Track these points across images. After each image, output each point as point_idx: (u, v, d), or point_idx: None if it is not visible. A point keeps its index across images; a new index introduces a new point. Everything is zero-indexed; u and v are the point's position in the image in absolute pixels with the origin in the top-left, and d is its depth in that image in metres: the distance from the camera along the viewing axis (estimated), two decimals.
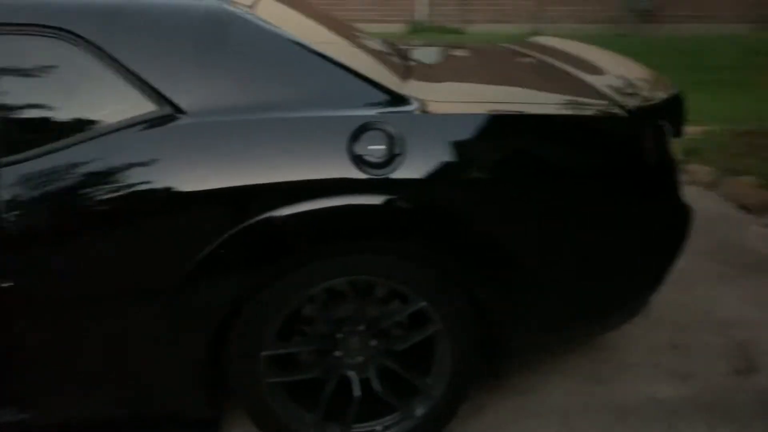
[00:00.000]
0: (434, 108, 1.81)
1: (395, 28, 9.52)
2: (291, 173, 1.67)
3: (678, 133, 1.91)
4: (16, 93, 1.65)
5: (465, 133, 1.75)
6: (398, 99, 1.78)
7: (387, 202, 1.69)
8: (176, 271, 1.67)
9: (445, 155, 1.73)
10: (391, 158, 1.69)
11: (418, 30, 9.55)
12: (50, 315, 1.71)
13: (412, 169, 1.69)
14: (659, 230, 1.92)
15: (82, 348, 1.76)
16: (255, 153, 1.67)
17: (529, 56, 2.58)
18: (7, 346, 1.75)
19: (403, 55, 2.36)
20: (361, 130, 1.69)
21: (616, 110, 1.86)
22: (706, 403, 2.17)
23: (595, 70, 2.28)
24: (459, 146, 1.74)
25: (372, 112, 1.72)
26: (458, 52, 2.81)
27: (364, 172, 1.68)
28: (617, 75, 2.21)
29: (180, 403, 1.87)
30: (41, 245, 1.66)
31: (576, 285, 1.91)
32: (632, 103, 1.88)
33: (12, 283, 1.66)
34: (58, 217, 1.65)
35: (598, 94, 1.98)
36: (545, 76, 2.29)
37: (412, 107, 1.77)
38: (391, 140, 1.69)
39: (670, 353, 2.45)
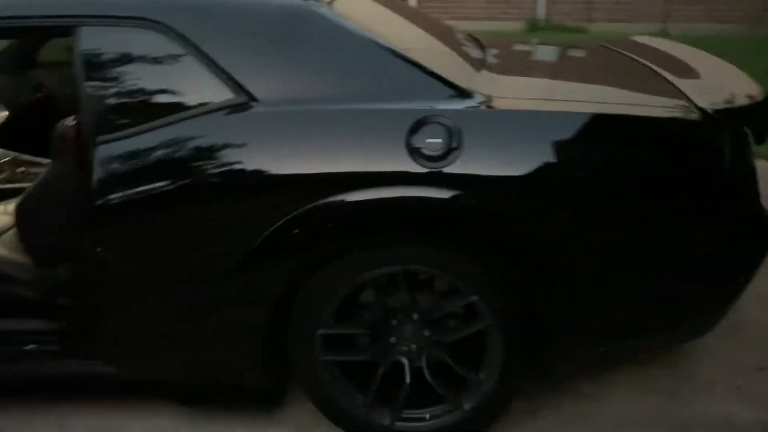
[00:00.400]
0: (499, 104, 1.82)
1: (514, 26, 9.39)
2: (351, 162, 1.74)
3: (761, 140, 1.80)
4: (114, 78, 1.83)
5: (526, 130, 1.75)
6: (462, 93, 1.80)
7: (439, 195, 1.72)
8: (242, 248, 1.79)
9: (504, 151, 1.73)
10: (447, 152, 1.72)
11: (537, 29, 9.36)
12: (130, 280, 1.89)
13: (468, 163, 1.71)
14: (734, 241, 1.81)
15: (158, 313, 1.92)
16: (319, 141, 1.76)
17: (620, 55, 2.50)
18: (97, 304, 1.96)
19: (486, 51, 2.37)
20: (421, 123, 1.73)
21: (694, 113, 1.78)
22: None
23: (685, 71, 2.18)
24: (518, 143, 1.73)
25: (433, 105, 1.76)
26: (551, 50, 2.77)
27: (421, 164, 1.72)
28: (707, 77, 2.10)
29: (244, 373, 1.99)
30: (128, 215, 1.83)
31: (640, 294, 1.84)
32: (712, 106, 1.79)
33: (101, 249, 1.86)
34: (143, 191, 1.81)
35: (678, 95, 1.89)
36: (628, 75, 2.22)
37: (475, 102, 1.79)
38: (449, 134, 1.72)
39: (755, 376, 2.29)
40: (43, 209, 2.06)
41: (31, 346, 2.06)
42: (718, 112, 1.78)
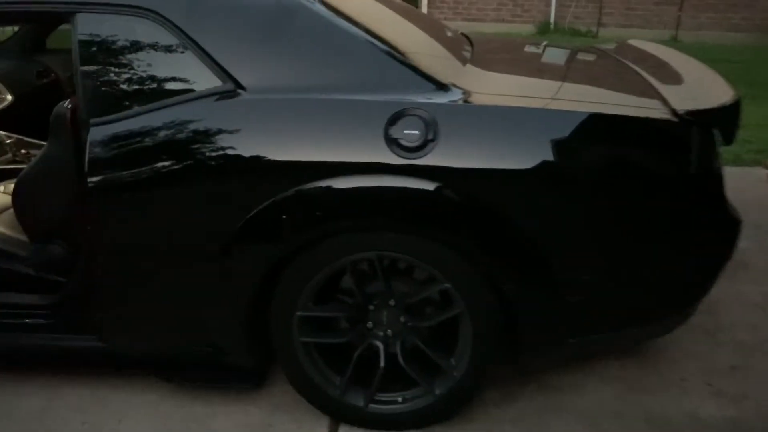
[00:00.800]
0: (477, 99, 1.88)
1: (524, 28, 9.42)
2: (332, 150, 1.80)
3: (729, 141, 1.84)
4: (108, 63, 1.91)
5: (501, 125, 1.80)
6: (442, 87, 1.86)
7: (415, 185, 1.78)
8: (225, 230, 1.86)
9: (479, 145, 1.78)
10: (424, 143, 1.78)
11: (547, 32, 9.37)
12: (119, 258, 1.96)
13: (442, 155, 1.77)
14: (700, 241, 1.86)
15: (145, 291, 2.00)
16: (302, 129, 1.83)
17: (608, 56, 2.55)
18: (88, 281, 2.03)
19: (475, 49, 2.43)
20: (400, 114, 1.79)
21: (665, 113, 1.83)
22: (749, 427, 2.07)
23: (668, 74, 2.22)
24: (493, 137, 1.79)
25: (413, 98, 1.82)
26: (542, 50, 2.82)
27: (397, 155, 1.78)
28: (687, 81, 2.15)
29: (228, 353, 2.06)
30: (118, 195, 1.90)
31: (608, 288, 1.90)
32: (684, 107, 1.84)
33: (91, 227, 1.94)
34: (132, 173, 1.88)
35: (654, 96, 1.95)
36: (609, 76, 2.27)
37: (454, 96, 1.85)
38: (426, 126, 1.78)
39: (726, 374, 2.34)
40: (39, 188, 2.14)
41: (25, 320, 2.15)
42: (689, 113, 1.82)
